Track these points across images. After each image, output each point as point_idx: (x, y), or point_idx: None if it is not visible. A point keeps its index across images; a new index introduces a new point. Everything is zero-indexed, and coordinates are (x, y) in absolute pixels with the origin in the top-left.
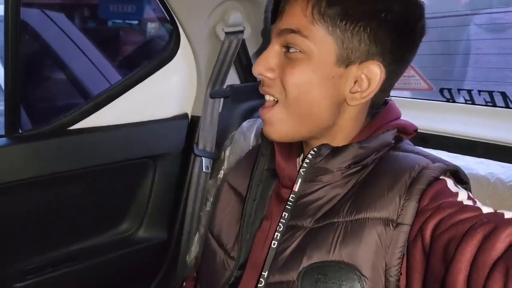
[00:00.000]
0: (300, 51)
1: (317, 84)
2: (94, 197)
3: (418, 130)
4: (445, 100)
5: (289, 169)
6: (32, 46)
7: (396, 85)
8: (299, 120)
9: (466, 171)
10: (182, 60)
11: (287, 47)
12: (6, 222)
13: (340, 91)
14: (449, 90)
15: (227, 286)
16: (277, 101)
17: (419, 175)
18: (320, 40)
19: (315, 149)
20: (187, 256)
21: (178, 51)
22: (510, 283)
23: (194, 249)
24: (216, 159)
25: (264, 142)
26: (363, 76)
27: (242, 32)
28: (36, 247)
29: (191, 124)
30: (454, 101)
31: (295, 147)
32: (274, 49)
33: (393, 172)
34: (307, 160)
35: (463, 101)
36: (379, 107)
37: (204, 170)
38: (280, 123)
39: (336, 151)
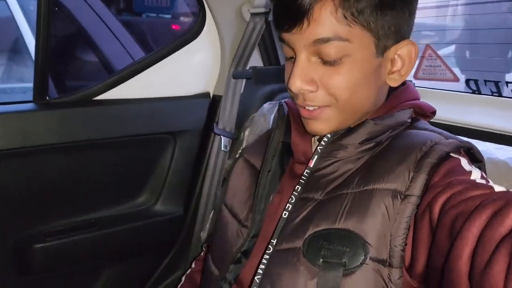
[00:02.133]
0: (342, 56)
1: (364, 81)
2: (114, 168)
3: (442, 121)
4: (470, 91)
5: (303, 145)
6: (63, 21)
7: (421, 75)
8: (348, 115)
9: (485, 155)
10: (206, 39)
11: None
12: (27, 184)
13: (381, 76)
14: (476, 81)
15: (239, 253)
16: (326, 105)
17: (430, 149)
18: (359, 38)
19: None
20: (202, 232)
21: (203, 30)
22: None
23: (209, 226)
24: (235, 139)
25: (281, 116)
26: (396, 56)
27: (268, 13)
28: (56, 212)
29: (212, 103)
30: (480, 93)
31: None
32: (307, 60)
33: (404, 147)
34: (325, 139)
35: (490, 93)
36: (397, 87)
37: (222, 149)
38: (329, 121)
39: (351, 128)
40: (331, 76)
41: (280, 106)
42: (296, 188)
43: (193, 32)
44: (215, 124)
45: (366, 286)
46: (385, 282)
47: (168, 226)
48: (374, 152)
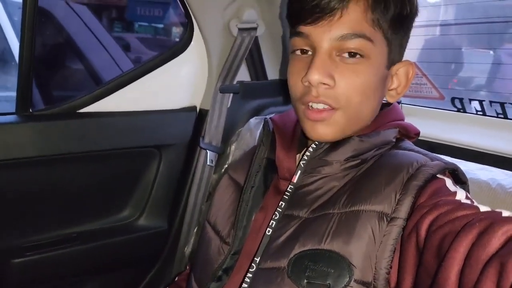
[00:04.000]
0: (362, 56)
1: (375, 88)
2: (98, 181)
3: (426, 138)
4: (455, 110)
5: (288, 161)
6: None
7: (408, 93)
8: (352, 122)
9: (467, 176)
10: (194, 53)
11: (349, 53)
12: (8, 197)
13: (384, 91)
14: (461, 100)
15: (220, 271)
16: (336, 107)
17: (417, 172)
18: (379, 43)
19: (316, 142)
20: (186, 247)
21: (191, 43)
22: (504, 280)
23: (193, 241)
24: (221, 154)
25: (266, 132)
26: (395, 75)
27: (255, 29)
28: (36, 226)
29: (199, 117)
30: (465, 111)
31: (296, 140)
32: (329, 54)
33: (391, 167)
34: (307, 153)
35: (474, 112)
36: (383, 107)
37: (208, 163)
38: (335, 125)
39: (336, 144)
40: (348, 75)
41: (266, 122)
42: (280, 204)
43: (180, 45)
44: (201, 138)
45: None
46: None
47: (152, 241)
48: (360, 170)
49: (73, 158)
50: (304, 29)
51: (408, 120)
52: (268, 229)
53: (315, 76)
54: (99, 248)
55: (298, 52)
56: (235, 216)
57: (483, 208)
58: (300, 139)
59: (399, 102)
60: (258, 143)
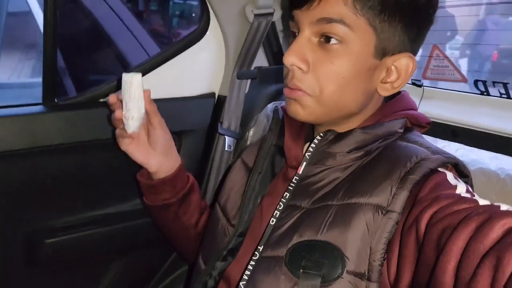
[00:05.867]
0: (340, 42)
1: (354, 77)
2: (120, 167)
3: (448, 122)
4: (479, 92)
5: (295, 150)
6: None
7: (429, 75)
8: (329, 110)
9: (477, 165)
10: (211, 40)
11: (325, 37)
12: (38, 183)
13: (373, 82)
14: (484, 82)
15: (225, 251)
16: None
17: (415, 166)
18: (362, 31)
19: (321, 134)
20: None
21: (208, 31)
22: (500, 273)
23: None
24: (239, 139)
25: (275, 119)
26: (393, 67)
27: (271, 14)
28: (65, 208)
29: (217, 103)
30: (488, 94)
31: (304, 129)
32: (307, 38)
33: (390, 161)
34: (313, 145)
35: (498, 95)
36: (393, 96)
37: (226, 149)
38: (307, 108)
39: (340, 136)
40: (323, 62)
41: (276, 110)
42: (284, 195)
43: (197, 33)
44: (219, 124)
45: None
46: None
47: None
48: (363, 161)
49: (97, 145)
50: (294, 12)
51: (429, 103)
52: (272, 218)
53: (288, 58)
54: (124, 229)
55: (292, 35)
56: (241, 200)
57: (482, 202)
58: (308, 129)
59: (420, 85)
60: (268, 130)
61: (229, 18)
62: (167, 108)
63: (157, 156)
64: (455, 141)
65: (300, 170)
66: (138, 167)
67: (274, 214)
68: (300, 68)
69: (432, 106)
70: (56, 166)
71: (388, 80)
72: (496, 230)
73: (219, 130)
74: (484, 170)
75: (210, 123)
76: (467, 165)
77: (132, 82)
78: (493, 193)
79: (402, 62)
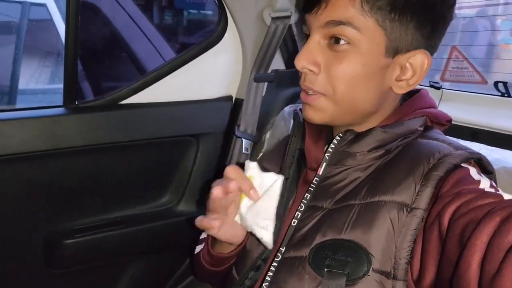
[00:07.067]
0: (349, 43)
1: (365, 77)
2: (139, 169)
3: (468, 124)
4: (499, 94)
5: (316, 152)
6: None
7: (448, 77)
8: (344, 111)
9: (500, 164)
10: (228, 44)
11: (334, 40)
12: (59, 185)
13: (386, 80)
14: (505, 83)
15: (260, 260)
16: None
17: (438, 162)
18: (370, 32)
19: (340, 134)
20: None
21: (225, 34)
22: None
23: None
24: (256, 142)
25: (296, 123)
26: (407, 64)
27: (289, 17)
28: (84, 210)
29: (235, 106)
30: (509, 96)
31: (324, 131)
32: (317, 42)
33: (413, 158)
34: (332, 145)
35: None
36: (412, 94)
37: (243, 151)
38: (324, 111)
39: (360, 136)
40: (333, 63)
41: (296, 113)
42: (305, 196)
43: (215, 36)
44: (236, 127)
45: None
46: None
47: (191, 226)
48: (384, 160)
49: (116, 147)
50: (305, 16)
51: (448, 105)
52: (294, 220)
53: (299, 62)
54: (141, 231)
55: (306, 38)
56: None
57: (507, 196)
58: (328, 131)
59: (438, 88)
60: (291, 134)
61: (246, 22)
62: (185, 111)
63: (240, 227)
64: (476, 143)
65: (320, 171)
66: (158, 168)
67: (296, 215)
68: (311, 71)
69: (452, 108)
70: (75, 168)
71: (403, 78)
72: None
73: (236, 133)
74: (508, 169)
75: (227, 126)
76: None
77: (275, 183)
78: None
79: (417, 59)
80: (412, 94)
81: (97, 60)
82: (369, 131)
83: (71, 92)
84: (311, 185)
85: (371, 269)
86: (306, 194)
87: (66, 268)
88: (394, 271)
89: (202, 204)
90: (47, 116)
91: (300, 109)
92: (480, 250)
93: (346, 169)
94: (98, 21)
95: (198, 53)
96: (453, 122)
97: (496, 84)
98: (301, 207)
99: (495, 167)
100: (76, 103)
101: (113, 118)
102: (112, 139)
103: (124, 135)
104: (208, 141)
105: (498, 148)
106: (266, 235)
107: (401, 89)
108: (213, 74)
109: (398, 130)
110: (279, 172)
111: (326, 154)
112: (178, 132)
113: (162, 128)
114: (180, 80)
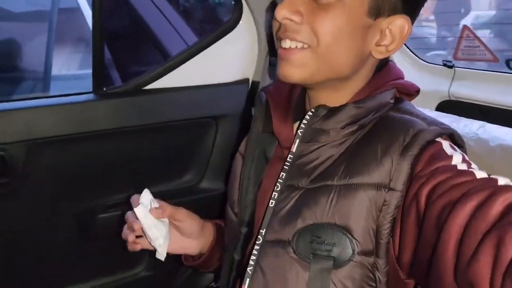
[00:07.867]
0: None
1: (348, 33)
2: (163, 150)
3: (479, 102)
4: (511, 72)
5: (285, 131)
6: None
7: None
8: (323, 67)
9: (497, 141)
10: (244, 29)
11: None
12: (91, 164)
13: (367, 43)
14: None
15: (239, 242)
16: (305, 47)
17: (412, 139)
18: None
19: (312, 109)
20: None
21: (241, 20)
22: (502, 253)
23: None
24: None
25: (258, 106)
26: (387, 31)
27: None
28: (114, 187)
29: (251, 88)
30: None
31: (291, 110)
32: None
33: (387, 135)
34: (304, 121)
35: None
36: (381, 68)
37: None
38: (305, 67)
39: (332, 111)
40: (318, 14)
41: (257, 95)
42: (280, 175)
43: (230, 23)
44: (253, 109)
45: (354, 277)
46: (372, 272)
47: (213, 201)
48: (358, 136)
49: (141, 130)
50: None
51: (460, 83)
52: (271, 201)
53: (280, 13)
54: None
55: None
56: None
57: (479, 174)
58: (298, 106)
59: (451, 66)
60: (253, 118)
61: (261, 7)
62: (204, 94)
63: (194, 241)
64: (486, 121)
65: (294, 148)
66: (180, 149)
67: (273, 195)
68: (293, 21)
69: (464, 87)
70: (104, 150)
71: (382, 44)
72: (496, 207)
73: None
74: (503, 145)
75: (244, 108)
76: (488, 142)
77: (139, 215)
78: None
79: (397, 24)
80: (380, 67)
81: (122, 47)
82: (342, 107)
83: (99, 79)
84: (286, 163)
85: (355, 252)
86: (282, 173)
87: (99, 240)
88: (376, 250)
89: (222, 181)
90: (78, 102)
91: (266, 89)
92: (456, 233)
93: (320, 146)
94: (123, 9)
95: (215, 39)
96: (464, 101)
97: (507, 62)
98: (277, 187)
99: (492, 144)
100: (104, 89)
101: (138, 103)
102: (138, 122)
103: (148, 118)
104: (227, 122)
105: (499, 126)
106: (159, 251)
107: (380, 54)
108: (230, 59)
109: (370, 104)
110: (243, 155)
111: (299, 131)
112: (199, 115)
113: (183, 111)
114: (199, 65)
